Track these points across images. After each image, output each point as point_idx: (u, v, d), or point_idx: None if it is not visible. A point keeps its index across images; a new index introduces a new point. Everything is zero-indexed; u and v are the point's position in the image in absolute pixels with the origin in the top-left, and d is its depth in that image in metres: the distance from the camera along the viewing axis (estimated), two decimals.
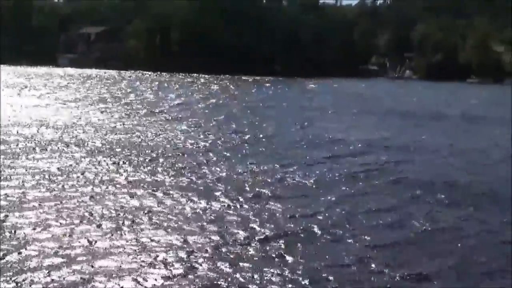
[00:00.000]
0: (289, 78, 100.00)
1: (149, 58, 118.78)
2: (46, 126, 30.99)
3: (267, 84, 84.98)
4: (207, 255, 12.61)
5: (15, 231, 13.35)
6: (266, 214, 15.97)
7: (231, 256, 12.63)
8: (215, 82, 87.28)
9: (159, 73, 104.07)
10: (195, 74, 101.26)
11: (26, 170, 19.55)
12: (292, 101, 56.66)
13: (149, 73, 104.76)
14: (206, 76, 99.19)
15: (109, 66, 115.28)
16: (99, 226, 14.14)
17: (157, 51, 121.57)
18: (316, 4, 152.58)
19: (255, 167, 22.19)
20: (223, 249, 13.01)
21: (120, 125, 33.34)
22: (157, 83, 79.23)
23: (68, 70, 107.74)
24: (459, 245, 14.24)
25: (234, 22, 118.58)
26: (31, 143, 25.33)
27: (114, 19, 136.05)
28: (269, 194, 18.02)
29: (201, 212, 15.82)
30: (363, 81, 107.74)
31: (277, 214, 15.95)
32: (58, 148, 24.49)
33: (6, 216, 14.39)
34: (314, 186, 19.63)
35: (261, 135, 31.43)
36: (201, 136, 30.10)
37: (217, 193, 17.81)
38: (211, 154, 24.72)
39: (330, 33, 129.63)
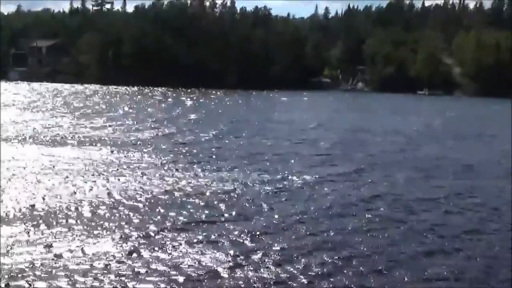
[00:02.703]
0: (234, 91, 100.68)
1: (100, 71, 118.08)
2: None
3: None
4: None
5: None
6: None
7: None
8: (165, 94, 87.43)
9: (109, 86, 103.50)
10: (145, 88, 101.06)
11: None
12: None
13: (101, 86, 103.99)
14: (159, 89, 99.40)
15: (60, 80, 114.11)
16: None
17: (108, 65, 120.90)
18: (268, 17, 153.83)
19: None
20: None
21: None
22: (108, 96, 79.05)
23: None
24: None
25: (185, 36, 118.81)
26: None
27: (65, 33, 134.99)
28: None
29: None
30: (312, 93, 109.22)
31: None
32: None
33: None
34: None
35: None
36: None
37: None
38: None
39: (282, 46, 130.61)
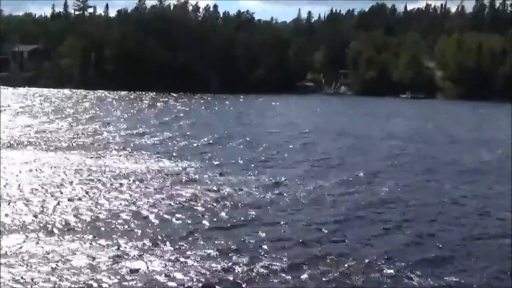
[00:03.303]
0: (219, 95, 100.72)
1: (83, 76, 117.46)
2: None
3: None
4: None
5: None
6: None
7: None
8: (154, 99, 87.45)
9: (94, 91, 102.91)
10: (128, 92, 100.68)
11: None
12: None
13: (84, 91, 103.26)
14: (141, 93, 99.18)
15: (42, 85, 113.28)
16: None
17: (90, 69, 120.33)
18: (251, 21, 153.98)
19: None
20: None
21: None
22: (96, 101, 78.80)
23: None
24: None
25: (168, 40, 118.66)
26: None
27: (46, 37, 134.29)
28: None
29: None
30: (296, 97, 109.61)
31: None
32: None
33: None
34: None
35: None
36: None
37: None
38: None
39: (265, 50, 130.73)
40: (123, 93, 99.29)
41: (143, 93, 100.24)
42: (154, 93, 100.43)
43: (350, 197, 21.69)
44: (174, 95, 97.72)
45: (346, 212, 19.14)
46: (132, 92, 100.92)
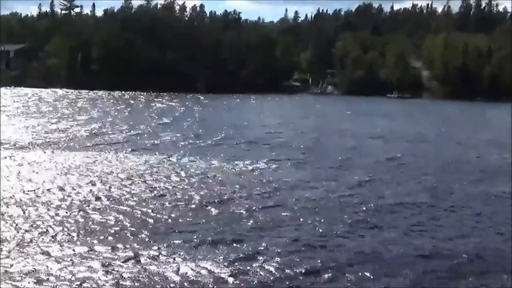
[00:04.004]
0: (206, 95, 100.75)
1: (69, 76, 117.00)
2: None
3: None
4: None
5: None
6: None
7: None
8: (129, 99, 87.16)
9: (78, 91, 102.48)
10: (115, 92, 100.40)
11: None
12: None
13: (72, 90, 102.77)
14: (129, 92, 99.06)
15: (28, 84, 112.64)
16: None
17: (77, 69, 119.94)
18: (238, 21, 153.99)
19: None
20: None
21: None
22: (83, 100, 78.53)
23: None
24: None
25: (155, 40, 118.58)
26: None
27: (33, 37, 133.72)
28: None
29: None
30: (284, 96, 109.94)
31: None
32: None
33: None
34: None
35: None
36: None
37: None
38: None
39: (252, 49, 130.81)
40: (114, 93, 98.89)
41: (131, 93, 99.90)
42: (142, 92, 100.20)
43: (358, 200, 21.31)
44: (161, 94, 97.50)
45: (357, 216, 18.87)
46: (120, 92, 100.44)
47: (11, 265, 12.82)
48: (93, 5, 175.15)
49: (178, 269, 13.13)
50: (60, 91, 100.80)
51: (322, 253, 14.78)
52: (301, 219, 17.90)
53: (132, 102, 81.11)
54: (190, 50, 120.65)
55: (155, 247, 14.55)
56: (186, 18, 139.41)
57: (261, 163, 28.36)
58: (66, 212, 17.47)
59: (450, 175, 27.46)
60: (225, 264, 13.53)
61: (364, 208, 19.70)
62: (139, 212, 18.01)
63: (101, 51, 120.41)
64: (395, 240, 16.14)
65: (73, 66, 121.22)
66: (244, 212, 18.49)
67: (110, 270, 12.88)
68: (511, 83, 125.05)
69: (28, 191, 20.29)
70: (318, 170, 27.15)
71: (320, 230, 16.74)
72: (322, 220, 17.76)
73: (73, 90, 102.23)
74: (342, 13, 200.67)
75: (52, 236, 15.07)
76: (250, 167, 26.97)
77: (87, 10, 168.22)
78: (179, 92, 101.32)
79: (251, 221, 17.41)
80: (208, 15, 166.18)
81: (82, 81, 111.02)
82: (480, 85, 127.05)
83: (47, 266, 12.90)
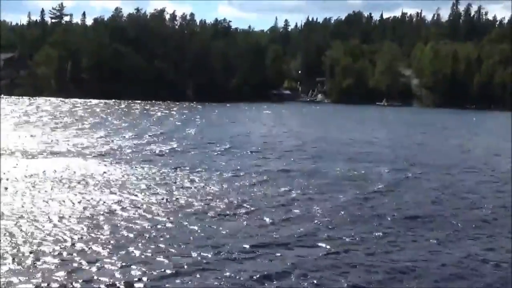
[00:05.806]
0: (196, 103, 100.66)
1: (59, 85, 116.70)
2: None
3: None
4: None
5: None
6: None
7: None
8: (120, 107, 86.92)
9: (70, 99, 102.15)
10: (106, 101, 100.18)
11: None
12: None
13: (62, 99, 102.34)
14: (119, 101, 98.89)
15: (18, 93, 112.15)
16: None
17: (67, 78, 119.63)
18: (227, 29, 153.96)
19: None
20: None
21: None
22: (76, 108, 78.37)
23: None
24: None
25: (145, 49, 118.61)
26: None
27: (23, 45, 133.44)
28: None
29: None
30: (278, 105, 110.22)
31: None
32: None
33: None
34: None
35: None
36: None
37: None
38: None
39: (242, 58, 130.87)
40: (99, 101, 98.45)
41: (120, 101, 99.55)
42: (135, 101, 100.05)
43: (374, 210, 20.85)
44: (151, 102, 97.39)
45: (370, 226, 18.46)
46: (110, 100, 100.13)
47: (16, 275, 12.73)
48: (84, 14, 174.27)
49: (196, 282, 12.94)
50: (47, 100, 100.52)
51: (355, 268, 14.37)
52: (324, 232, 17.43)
53: (126, 110, 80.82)
54: (179, 58, 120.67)
55: (171, 261, 14.18)
56: (176, 27, 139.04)
57: (272, 173, 28.07)
58: (75, 222, 17.26)
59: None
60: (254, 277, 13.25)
61: (388, 219, 19.32)
62: (158, 223, 17.66)
63: (90, 60, 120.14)
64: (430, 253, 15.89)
65: (62, 75, 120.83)
66: (268, 223, 18.10)
67: (122, 278, 12.83)
68: (500, 91, 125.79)
69: (32, 201, 20.02)
70: (328, 180, 26.80)
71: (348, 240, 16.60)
72: (352, 233, 17.38)
73: (63, 99, 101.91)
74: (332, 21, 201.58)
75: (56, 247, 14.85)
76: (264, 177, 26.67)
77: (77, 19, 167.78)
78: (169, 101, 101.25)
79: (274, 234, 16.87)
80: (198, 23, 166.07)
81: (71, 90, 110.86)
82: (469, 93, 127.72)
83: (57, 276, 12.80)
